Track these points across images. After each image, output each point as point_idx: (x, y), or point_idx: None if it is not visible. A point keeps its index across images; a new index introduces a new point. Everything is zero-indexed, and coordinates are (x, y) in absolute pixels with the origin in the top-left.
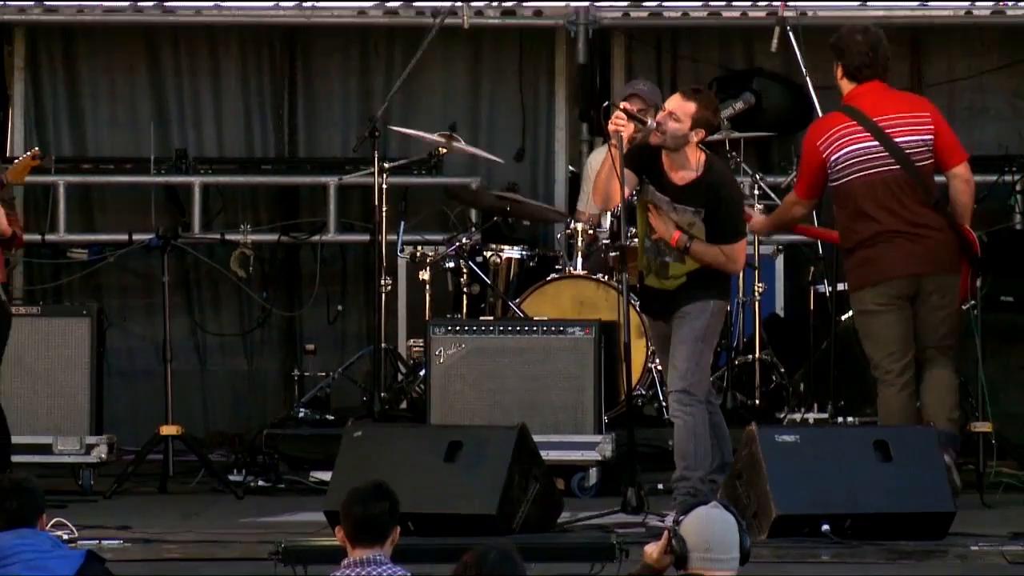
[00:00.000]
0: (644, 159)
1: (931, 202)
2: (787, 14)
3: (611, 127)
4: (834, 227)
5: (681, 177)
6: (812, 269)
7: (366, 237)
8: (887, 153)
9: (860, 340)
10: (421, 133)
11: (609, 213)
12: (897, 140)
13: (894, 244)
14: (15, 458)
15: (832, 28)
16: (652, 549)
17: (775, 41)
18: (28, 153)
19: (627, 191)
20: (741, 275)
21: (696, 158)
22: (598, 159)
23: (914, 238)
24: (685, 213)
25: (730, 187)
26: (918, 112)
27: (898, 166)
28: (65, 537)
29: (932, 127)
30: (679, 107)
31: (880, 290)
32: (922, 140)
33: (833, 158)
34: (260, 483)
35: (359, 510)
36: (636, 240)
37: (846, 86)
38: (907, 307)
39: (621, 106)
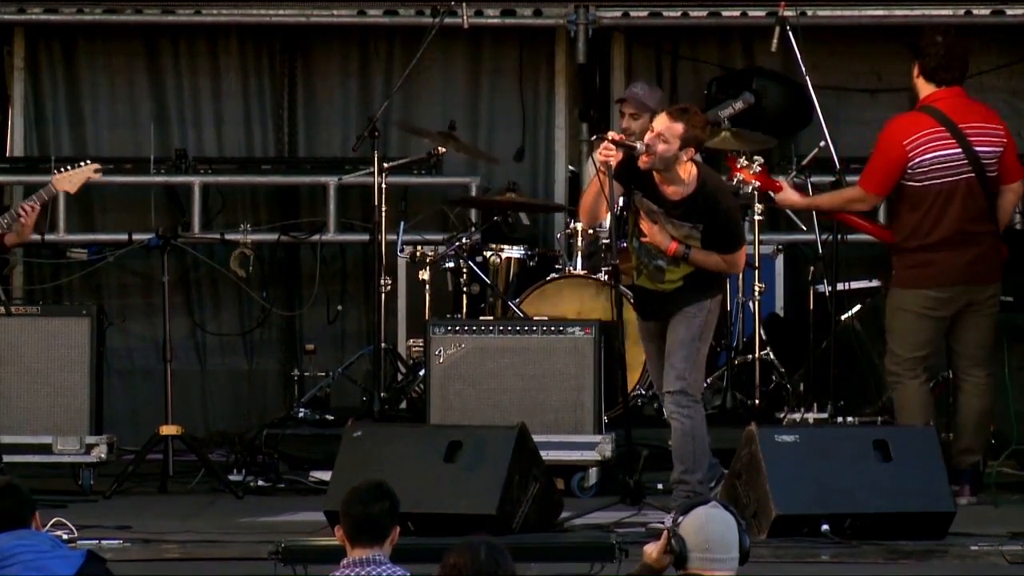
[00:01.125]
0: (635, 173)
1: (993, 214)
2: (787, 14)
3: (600, 157)
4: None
5: (674, 192)
6: (812, 269)
7: (366, 237)
8: (967, 161)
9: (886, 332)
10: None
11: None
12: (977, 149)
13: (956, 252)
14: (16, 458)
15: (832, 28)
16: (651, 549)
17: (775, 41)
18: (90, 165)
19: (616, 201)
20: (741, 275)
21: (688, 173)
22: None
23: (974, 248)
24: (682, 227)
25: (726, 199)
26: (995, 124)
27: (974, 175)
28: (65, 537)
29: (1005, 140)
30: (667, 128)
31: (932, 294)
32: (996, 152)
33: (918, 160)
34: (260, 483)
35: (359, 510)
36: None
37: (923, 87)
38: (948, 316)
39: (609, 136)
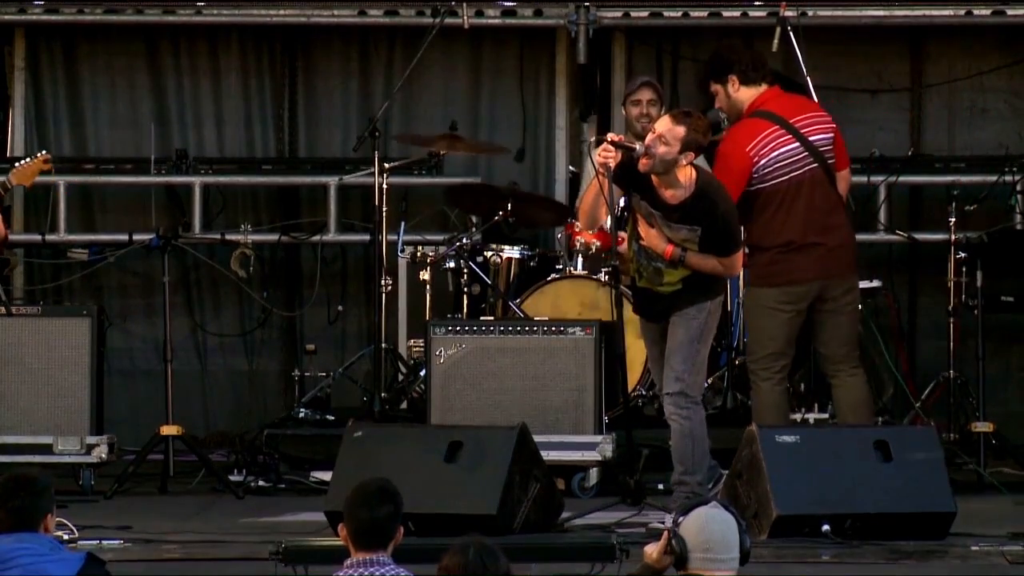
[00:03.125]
0: (633, 175)
1: (841, 201)
2: (787, 14)
3: (599, 159)
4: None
5: (673, 195)
6: None
7: (366, 237)
8: (807, 153)
9: (749, 330)
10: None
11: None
12: (813, 139)
13: (810, 247)
14: (16, 458)
15: (832, 28)
16: (652, 549)
17: (776, 41)
18: (39, 156)
19: (617, 203)
20: (742, 275)
21: (687, 176)
22: (597, 149)
23: (829, 240)
24: (680, 230)
25: (724, 203)
26: (820, 112)
27: (817, 164)
28: (65, 537)
29: (833, 126)
30: (668, 131)
31: (787, 291)
32: (830, 139)
33: (762, 162)
34: (260, 483)
35: (365, 515)
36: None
37: (745, 95)
38: (804, 312)
39: (608, 137)
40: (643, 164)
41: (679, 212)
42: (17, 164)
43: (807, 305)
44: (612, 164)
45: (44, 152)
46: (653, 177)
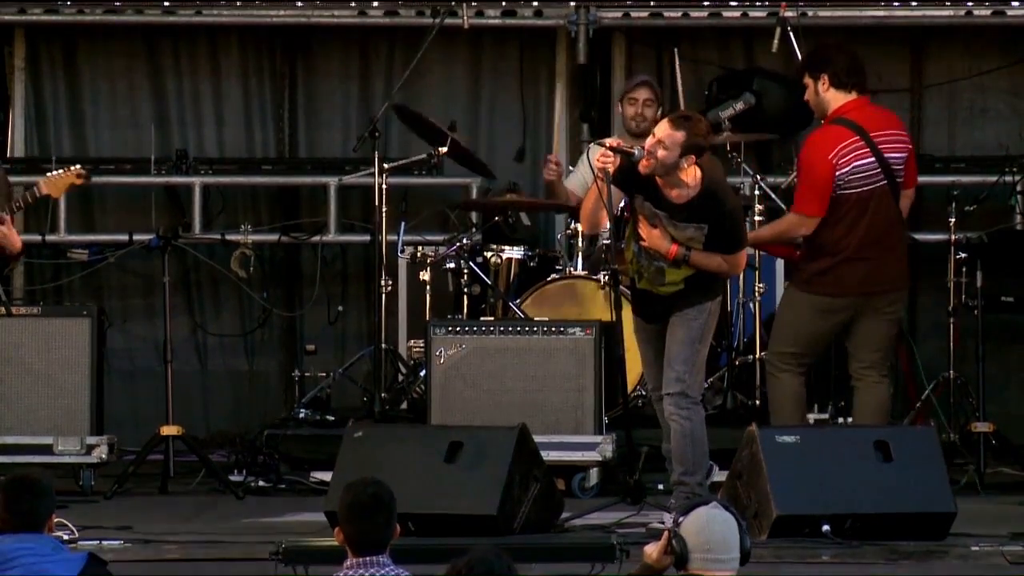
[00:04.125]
0: (636, 177)
1: (901, 217)
2: (788, 14)
3: (597, 164)
4: None
5: (679, 195)
6: None
7: (366, 237)
8: (880, 170)
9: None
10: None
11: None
12: (888, 156)
13: (864, 261)
14: (16, 459)
15: (833, 28)
16: (652, 549)
17: (776, 41)
18: (74, 169)
19: (617, 205)
20: (742, 275)
21: (691, 175)
22: (594, 152)
23: (884, 255)
24: (687, 228)
25: (730, 200)
26: (900, 129)
27: (885, 182)
28: (65, 537)
29: (910, 146)
30: (668, 136)
31: (829, 301)
32: (903, 158)
33: (841, 172)
34: (260, 483)
35: (360, 526)
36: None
37: (834, 98)
38: (841, 324)
39: (607, 143)
40: (644, 166)
41: (686, 211)
42: (49, 174)
43: (847, 317)
44: (611, 169)
45: (79, 166)
46: (657, 178)
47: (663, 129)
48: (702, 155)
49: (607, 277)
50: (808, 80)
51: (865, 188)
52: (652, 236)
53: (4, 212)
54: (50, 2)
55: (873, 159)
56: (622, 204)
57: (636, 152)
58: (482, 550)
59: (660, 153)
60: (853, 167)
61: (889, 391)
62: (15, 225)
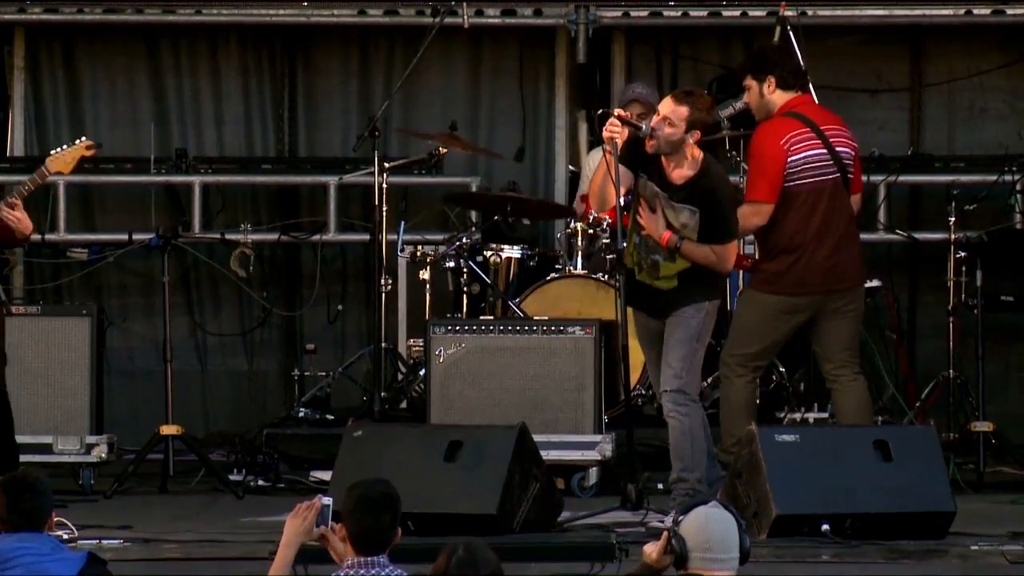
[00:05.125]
0: (641, 155)
1: (855, 215)
2: (787, 13)
3: (606, 133)
4: None
5: (679, 175)
6: None
7: (366, 237)
8: (832, 161)
9: (734, 324)
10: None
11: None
12: (838, 150)
13: (821, 256)
14: None
15: (832, 28)
16: (651, 549)
17: (775, 40)
18: (80, 142)
19: (623, 189)
20: (740, 274)
21: (694, 156)
22: (596, 157)
23: (840, 251)
24: (683, 211)
25: (725, 188)
26: (846, 128)
27: (838, 174)
28: (65, 537)
29: (855, 145)
30: (672, 112)
31: (788, 301)
32: (851, 155)
33: (791, 159)
34: (260, 483)
35: (367, 523)
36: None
37: (780, 98)
38: (800, 324)
39: (616, 112)
40: (650, 145)
41: (683, 192)
42: (54, 152)
43: (806, 317)
44: (619, 140)
45: (84, 139)
46: (662, 157)
47: (667, 105)
48: (707, 130)
49: (612, 261)
50: (751, 82)
51: (817, 179)
52: (649, 220)
53: (14, 197)
54: (50, 2)
55: (824, 150)
56: (627, 196)
57: (643, 127)
58: (460, 547)
59: (666, 130)
60: (805, 156)
61: (866, 387)
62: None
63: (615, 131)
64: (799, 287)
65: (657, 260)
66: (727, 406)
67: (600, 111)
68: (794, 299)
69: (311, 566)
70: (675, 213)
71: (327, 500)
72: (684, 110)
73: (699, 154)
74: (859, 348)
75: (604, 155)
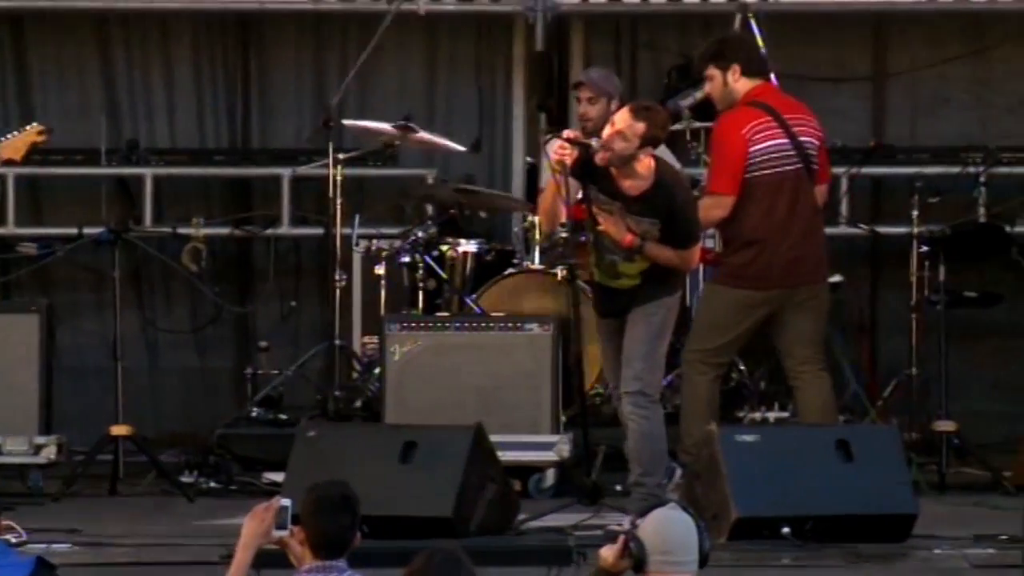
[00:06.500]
0: (590, 168)
1: (819, 207)
2: (748, 1)
3: (555, 156)
4: None
5: (632, 186)
6: None
7: (320, 231)
8: (794, 151)
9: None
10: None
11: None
12: (801, 139)
13: (784, 248)
14: None
15: (794, 16)
16: (608, 553)
17: (736, 28)
18: (32, 127)
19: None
20: (702, 270)
21: (646, 167)
22: (554, 146)
23: (801, 246)
24: (641, 223)
25: (683, 193)
26: (812, 117)
27: (801, 165)
28: (13, 540)
29: (821, 134)
30: (628, 127)
31: (752, 295)
32: (816, 144)
33: (754, 149)
34: (212, 485)
35: (326, 526)
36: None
37: (743, 85)
38: (763, 318)
39: (564, 135)
40: (601, 159)
41: (640, 204)
42: (4, 138)
43: (768, 312)
44: (568, 161)
45: (35, 124)
46: (612, 168)
47: (623, 119)
48: (659, 146)
49: (565, 272)
50: (714, 71)
51: (779, 169)
52: (608, 223)
53: None
54: None
55: (787, 140)
56: (579, 196)
57: (593, 144)
58: (440, 554)
59: (619, 145)
60: (767, 146)
61: (830, 384)
62: None
63: (565, 153)
64: (762, 281)
65: (615, 260)
66: (688, 405)
67: (549, 135)
68: (757, 293)
69: (269, 570)
70: (635, 223)
71: (286, 502)
72: (641, 127)
73: (651, 163)
74: (823, 346)
75: (553, 176)
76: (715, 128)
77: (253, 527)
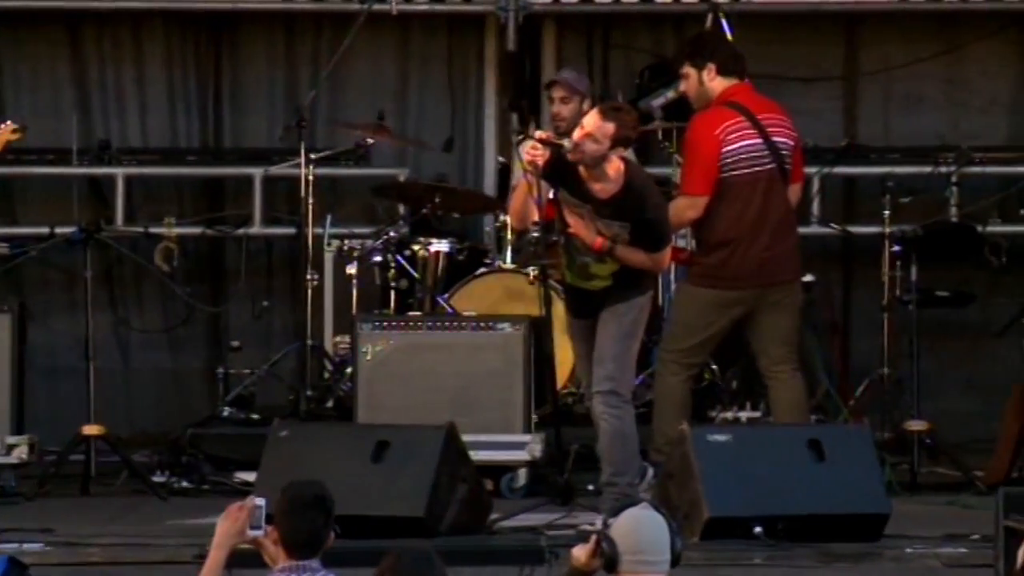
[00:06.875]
0: (560, 171)
1: (792, 207)
2: (720, 0)
3: (527, 157)
4: None
5: (602, 189)
6: None
7: (292, 230)
8: (768, 152)
9: (673, 319)
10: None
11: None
12: (775, 140)
13: (757, 249)
14: None
15: (766, 15)
16: (580, 552)
17: (708, 28)
18: (6, 126)
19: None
20: (674, 269)
21: (616, 169)
22: (525, 147)
23: (777, 243)
24: (611, 227)
25: (653, 197)
26: (786, 117)
27: (775, 165)
28: None
29: (796, 135)
30: (598, 128)
31: (725, 295)
32: (790, 145)
33: (727, 150)
34: (184, 484)
35: (300, 525)
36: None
37: (719, 85)
38: (737, 318)
39: (535, 135)
40: (573, 156)
41: (610, 207)
42: None
43: (742, 312)
44: (540, 162)
45: (9, 122)
46: (582, 170)
47: (592, 121)
48: (629, 147)
49: (537, 272)
50: (690, 70)
51: (753, 170)
52: (578, 226)
53: None
54: None
55: (760, 140)
56: (550, 196)
57: (565, 144)
58: (410, 553)
59: (590, 147)
60: (740, 146)
61: (803, 382)
62: None
63: (536, 154)
64: (735, 281)
65: (587, 262)
66: (660, 404)
67: (521, 136)
68: (730, 293)
69: (243, 570)
70: (605, 228)
71: (260, 501)
72: (611, 128)
73: (620, 166)
74: (796, 345)
75: (525, 176)
76: (688, 129)
77: (227, 527)
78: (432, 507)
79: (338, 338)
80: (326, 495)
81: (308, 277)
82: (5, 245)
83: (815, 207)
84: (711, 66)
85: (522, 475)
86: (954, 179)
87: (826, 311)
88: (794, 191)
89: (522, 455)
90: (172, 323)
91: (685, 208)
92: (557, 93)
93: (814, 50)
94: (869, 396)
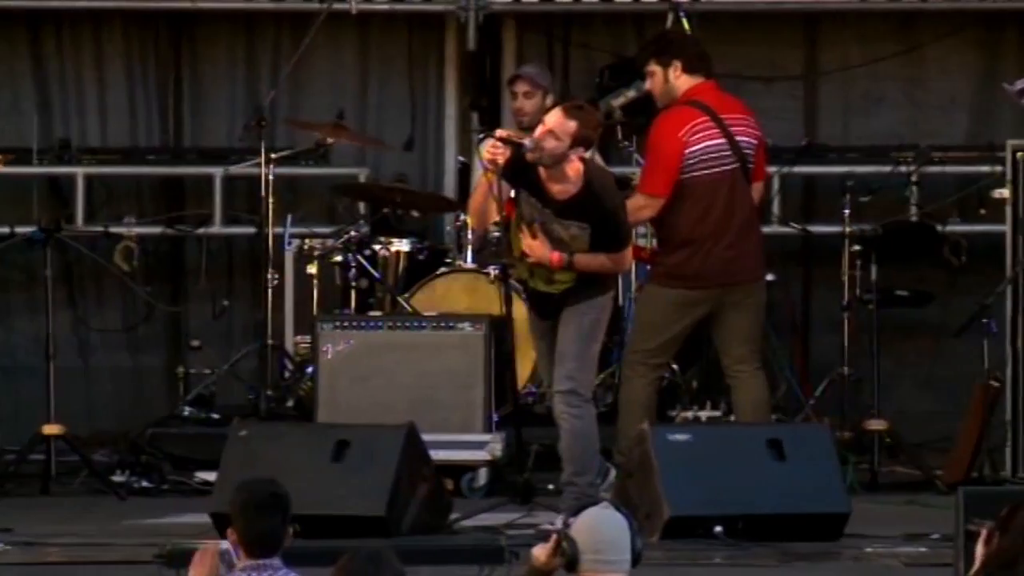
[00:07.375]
0: (519, 172)
1: (755, 206)
2: (680, 0)
3: (487, 155)
4: None
5: (561, 191)
6: None
7: (252, 230)
8: (731, 152)
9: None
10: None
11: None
12: (739, 139)
13: (720, 249)
14: None
15: (726, 15)
16: (540, 552)
17: (668, 27)
18: None
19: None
20: (634, 268)
21: (575, 170)
22: (485, 145)
23: (740, 243)
24: (570, 227)
25: (612, 197)
26: (751, 116)
27: (738, 165)
28: None
29: (759, 133)
30: (560, 126)
31: (688, 294)
32: (754, 144)
33: (690, 150)
34: (143, 484)
35: (256, 525)
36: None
37: (684, 83)
38: (700, 318)
39: (496, 134)
40: (531, 156)
41: (568, 208)
42: None
43: (706, 311)
44: (500, 160)
45: None
46: (541, 171)
47: (555, 118)
48: (590, 147)
49: (497, 272)
50: (655, 67)
51: (716, 170)
52: (533, 247)
53: None
54: None
55: (724, 140)
56: (511, 195)
57: (526, 143)
58: (363, 552)
59: (550, 144)
60: (704, 147)
61: (766, 382)
62: None
63: (497, 152)
64: (698, 280)
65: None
66: (625, 406)
67: (482, 134)
68: (693, 292)
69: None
70: (563, 227)
71: (224, 544)
72: (572, 125)
73: (579, 167)
74: (760, 344)
75: (485, 175)
76: (652, 129)
77: (202, 572)
78: (392, 506)
79: (298, 338)
80: (281, 492)
81: (268, 276)
82: None
83: (775, 206)
84: (677, 64)
85: (482, 475)
86: (914, 178)
87: (786, 310)
88: (756, 189)
89: (482, 455)
90: (132, 322)
91: (642, 207)
92: (520, 88)
93: (774, 50)
94: (829, 395)
